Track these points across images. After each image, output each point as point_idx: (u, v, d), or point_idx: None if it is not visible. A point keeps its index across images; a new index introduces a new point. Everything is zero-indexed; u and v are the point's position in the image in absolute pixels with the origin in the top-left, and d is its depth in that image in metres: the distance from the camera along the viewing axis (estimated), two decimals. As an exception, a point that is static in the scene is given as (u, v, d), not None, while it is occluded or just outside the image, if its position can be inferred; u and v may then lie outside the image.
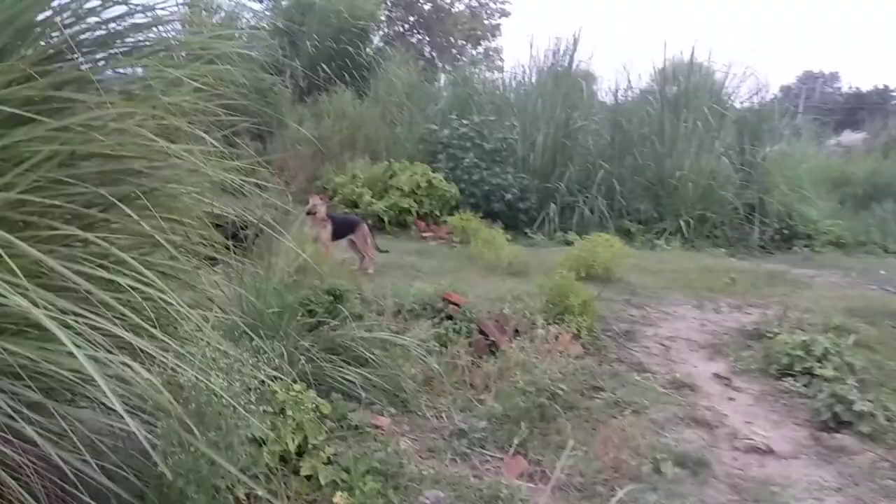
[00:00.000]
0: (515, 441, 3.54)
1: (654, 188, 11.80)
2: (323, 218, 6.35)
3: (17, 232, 2.10)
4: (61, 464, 1.94)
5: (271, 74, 11.24)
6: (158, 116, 2.76)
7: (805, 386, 4.75)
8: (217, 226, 3.75)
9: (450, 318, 4.85)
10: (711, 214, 11.36)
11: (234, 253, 4.26)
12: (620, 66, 15.70)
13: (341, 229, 6.68)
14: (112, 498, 2.26)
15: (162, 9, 2.91)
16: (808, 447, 4.08)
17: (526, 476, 3.36)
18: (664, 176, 11.63)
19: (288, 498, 2.75)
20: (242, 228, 3.86)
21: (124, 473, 2.26)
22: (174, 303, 2.19)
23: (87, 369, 1.70)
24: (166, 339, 2.51)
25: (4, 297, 1.76)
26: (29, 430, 1.92)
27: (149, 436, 2.26)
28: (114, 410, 2.10)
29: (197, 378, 2.25)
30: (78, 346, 1.71)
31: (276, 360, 3.33)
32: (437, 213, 9.56)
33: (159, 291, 2.15)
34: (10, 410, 1.92)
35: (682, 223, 11.12)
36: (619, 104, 12.89)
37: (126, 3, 2.63)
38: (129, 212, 2.38)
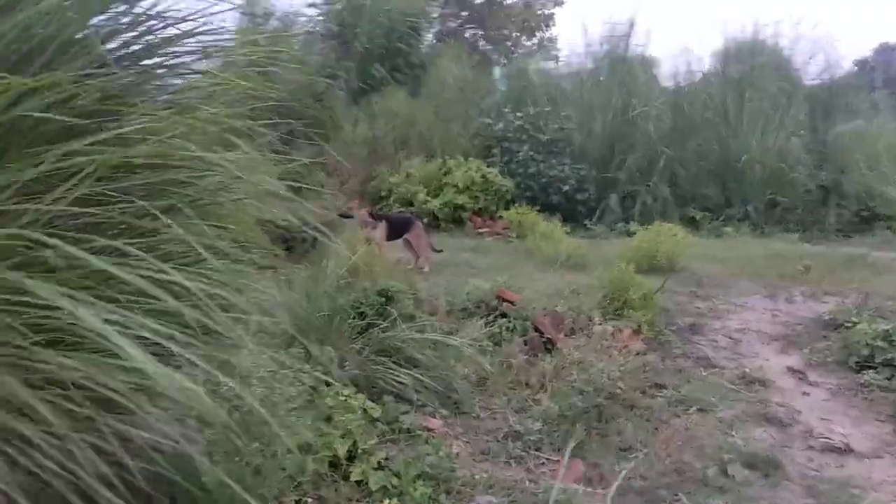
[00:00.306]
0: (571, 443, 3.42)
1: (720, 173, 11.38)
2: (366, 219, 6.33)
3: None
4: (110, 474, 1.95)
5: (325, 78, 11.38)
6: (203, 126, 2.77)
7: (887, 379, 4.44)
8: (280, 231, 3.78)
9: (504, 315, 4.75)
10: (782, 198, 10.88)
11: (289, 258, 4.30)
12: (679, 48, 15.19)
13: (396, 229, 6.66)
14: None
15: (202, 19, 2.89)
16: (891, 445, 3.80)
17: (583, 480, 3.24)
18: (730, 159, 11.21)
19: (338, 504, 2.72)
20: (299, 233, 3.85)
21: (179, 480, 2.28)
22: (213, 311, 2.18)
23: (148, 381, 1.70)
24: (209, 347, 2.53)
25: (55, 307, 1.78)
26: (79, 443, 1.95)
27: (194, 447, 2.28)
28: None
29: (237, 387, 2.24)
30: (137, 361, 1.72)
31: (326, 365, 3.32)
32: (493, 208, 9.45)
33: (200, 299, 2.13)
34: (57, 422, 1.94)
35: (750, 208, 10.69)
36: (680, 87, 12.47)
37: (160, 18, 2.63)
38: (168, 222, 2.36)
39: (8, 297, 2.07)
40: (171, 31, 2.76)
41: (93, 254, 2.33)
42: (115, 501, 2.06)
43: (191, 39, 2.85)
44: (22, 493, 1.97)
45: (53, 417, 1.95)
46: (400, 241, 6.68)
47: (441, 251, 6.93)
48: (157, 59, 2.82)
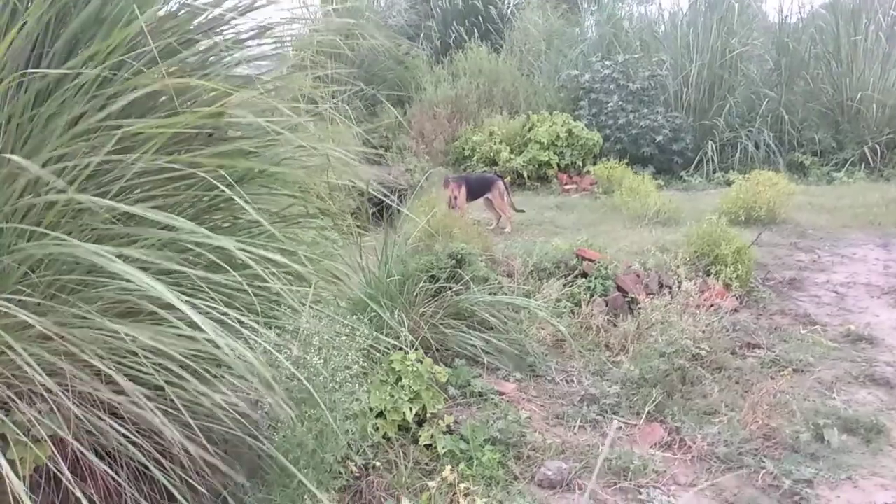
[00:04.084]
0: (648, 407, 3.28)
1: (832, 114, 10.48)
2: (452, 186, 6.24)
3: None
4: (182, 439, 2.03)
5: (407, 39, 11.29)
6: (261, 97, 2.80)
7: None
8: (368, 196, 3.81)
9: (584, 275, 4.60)
10: (903, 137, 9.90)
11: (378, 222, 4.33)
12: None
13: (477, 188, 6.55)
14: (238, 466, 2.37)
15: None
16: None
17: (662, 445, 3.11)
18: (843, 99, 10.28)
19: (406, 467, 2.74)
20: (385, 197, 3.85)
21: (249, 444, 2.36)
22: (275, 282, 2.21)
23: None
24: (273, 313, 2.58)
25: (128, 280, 1.85)
26: (150, 407, 2.03)
27: (255, 413, 2.35)
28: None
29: (294, 353, 2.27)
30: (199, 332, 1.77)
31: (397, 329, 3.33)
32: (580, 163, 9.13)
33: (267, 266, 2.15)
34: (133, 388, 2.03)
35: (866, 150, 9.80)
36: (785, 23, 11.50)
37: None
38: (231, 194, 2.38)
39: (83, 275, 2.18)
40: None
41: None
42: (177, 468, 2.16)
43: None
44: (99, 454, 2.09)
45: (128, 384, 2.05)
46: (481, 201, 6.58)
47: (523, 211, 6.79)
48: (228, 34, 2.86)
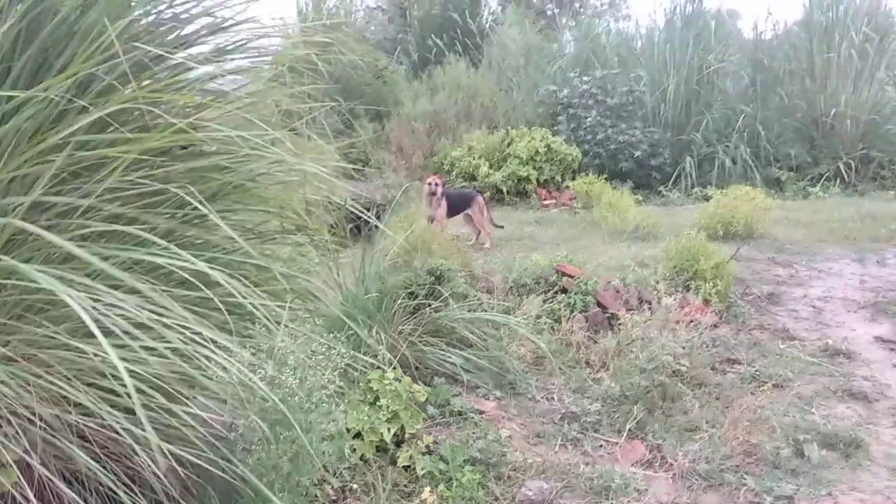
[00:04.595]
0: (629, 424, 3.26)
1: (807, 130, 10.65)
2: (438, 196, 6.24)
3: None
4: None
5: (385, 53, 11.31)
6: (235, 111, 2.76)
7: None
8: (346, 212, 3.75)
9: (564, 291, 4.59)
10: (877, 153, 10.10)
11: (356, 238, 4.28)
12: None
13: (457, 204, 6.55)
14: (210, 489, 2.30)
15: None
16: None
17: (644, 462, 3.08)
18: (817, 115, 10.47)
19: (384, 490, 2.68)
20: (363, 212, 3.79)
21: (222, 467, 2.29)
22: (247, 298, 2.15)
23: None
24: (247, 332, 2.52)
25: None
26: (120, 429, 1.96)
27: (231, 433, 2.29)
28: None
29: (269, 373, 2.22)
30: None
31: (374, 348, 3.28)
32: (559, 178, 9.17)
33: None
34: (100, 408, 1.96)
35: (840, 166, 9.97)
36: (760, 40, 11.69)
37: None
38: (207, 211, 2.32)
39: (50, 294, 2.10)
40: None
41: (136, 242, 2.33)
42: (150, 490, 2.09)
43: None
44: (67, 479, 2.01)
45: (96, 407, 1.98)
46: (460, 217, 6.57)
47: (502, 227, 6.78)
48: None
